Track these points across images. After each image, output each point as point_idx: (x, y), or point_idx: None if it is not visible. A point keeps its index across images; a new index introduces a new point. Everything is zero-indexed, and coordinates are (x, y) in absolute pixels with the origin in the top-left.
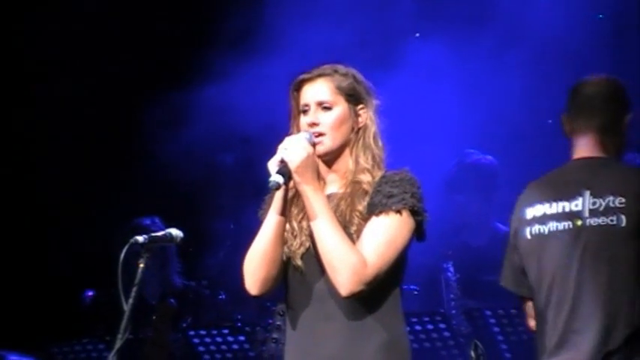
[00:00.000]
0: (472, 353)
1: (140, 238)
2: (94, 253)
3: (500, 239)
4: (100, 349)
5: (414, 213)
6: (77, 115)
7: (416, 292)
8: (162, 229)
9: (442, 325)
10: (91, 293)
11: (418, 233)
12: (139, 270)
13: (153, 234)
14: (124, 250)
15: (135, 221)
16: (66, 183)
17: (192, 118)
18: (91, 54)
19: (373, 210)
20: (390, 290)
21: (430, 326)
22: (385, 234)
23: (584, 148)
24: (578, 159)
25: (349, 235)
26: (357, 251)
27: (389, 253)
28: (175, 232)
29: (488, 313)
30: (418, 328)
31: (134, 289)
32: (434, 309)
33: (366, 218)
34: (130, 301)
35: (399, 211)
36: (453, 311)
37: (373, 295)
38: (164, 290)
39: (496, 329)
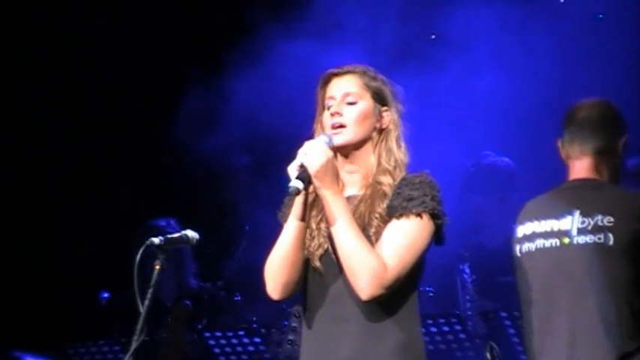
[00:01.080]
0: (488, 355)
1: (156, 240)
2: (110, 254)
3: None
4: (115, 351)
5: (433, 216)
6: (93, 112)
7: (431, 294)
8: (178, 231)
9: (458, 327)
10: (106, 294)
11: (437, 237)
12: (155, 271)
13: (169, 235)
14: (140, 252)
15: (150, 223)
16: (84, 182)
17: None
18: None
19: (393, 213)
20: (407, 293)
21: (446, 328)
22: (405, 237)
23: (578, 170)
24: (572, 180)
25: (368, 238)
26: (377, 255)
27: (409, 256)
28: (191, 233)
29: (504, 314)
30: (434, 329)
31: (150, 290)
32: (449, 310)
33: (385, 221)
34: (146, 302)
35: (419, 215)
36: (469, 312)
37: (391, 297)
38: (179, 292)
39: (512, 331)
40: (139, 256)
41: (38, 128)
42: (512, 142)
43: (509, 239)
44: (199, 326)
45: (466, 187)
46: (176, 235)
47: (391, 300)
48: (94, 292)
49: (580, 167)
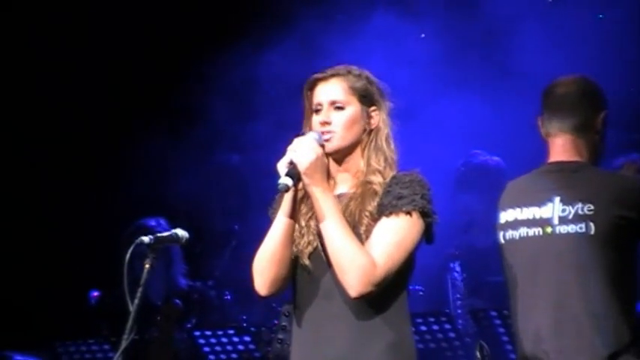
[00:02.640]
0: (477, 354)
1: (146, 239)
2: (100, 253)
3: None
4: (105, 350)
5: (423, 215)
6: (84, 111)
7: (421, 293)
8: (168, 230)
9: (447, 326)
10: (96, 293)
11: (427, 235)
12: (145, 270)
13: (158, 234)
14: (130, 251)
15: (140, 222)
16: (72, 181)
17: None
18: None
19: (383, 211)
20: (397, 291)
21: (435, 327)
22: (395, 235)
23: (558, 150)
24: (552, 163)
25: (358, 236)
26: (367, 252)
27: (398, 254)
28: (181, 232)
29: (494, 313)
30: (423, 328)
31: (139, 289)
32: (439, 309)
33: (375, 219)
34: (136, 301)
35: (408, 213)
36: (459, 311)
37: (380, 295)
38: (169, 291)
39: (501, 330)
40: (128, 255)
41: (27, 127)
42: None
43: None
44: (189, 325)
45: (456, 187)
46: (166, 234)
47: (381, 298)
48: (84, 291)
49: (560, 147)
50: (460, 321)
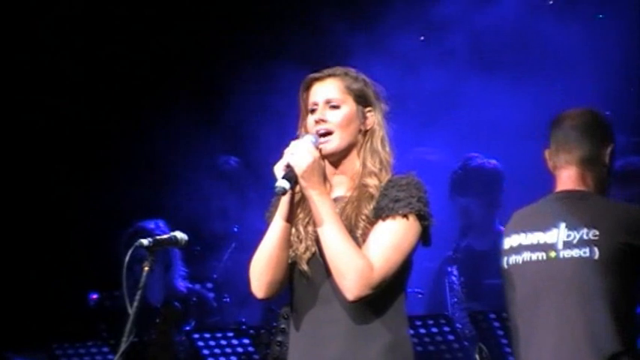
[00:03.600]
0: (476, 356)
1: (145, 241)
2: (99, 256)
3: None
4: (104, 352)
5: (420, 217)
6: (82, 114)
7: (420, 296)
8: (166, 232)
9: (446, 329)
10: (95, 296)
11: (424, 238)
12: (144, 273)
13: (157, 237)
14: (129, 253)
15: (139, 224)
16: (70, 183)
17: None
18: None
19: (380, 214)
20: (395, 294)
21: (434, 329)
22: (392, 238)
23: (565, 181)
24: (558, 191)
25: (355, 239)
26: (364, 256)
27: (395, 257)
28: (180, 235)
29: (493, 316)
30: (422, 331)
31: (139, 292)
32: (438, 312)
33: (372, 222)
34: (135, 304)
35: (405, 216)
36: (457, 314)
37: (378, 298)
38: (168, 294)
39: (500, 332)
40: (127, 258)
41: (24, 128)
42: (506, 145)
43: (497, 241)
44: (187, 328)
45: (453, 190)
46: (165, 236)
47: (379, 301)
48: (83, 293)
49: (566, 177)
50: (459, 324)
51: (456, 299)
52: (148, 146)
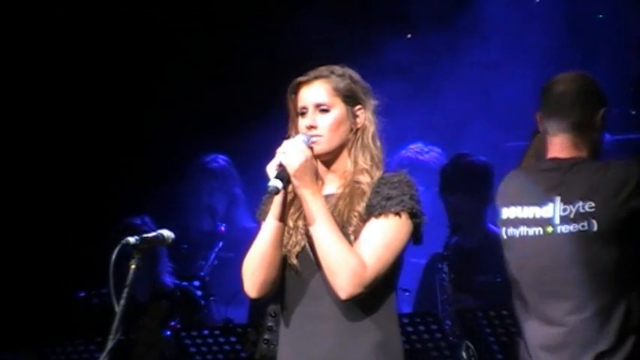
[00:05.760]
0: (463, 354)
1: (131, 239)
2: (86, 253)
3: (493, 241)
4: (91, 350)
5: (412, 215)
6: (69, 112)
7: (407, 293)
8: (153, 229)
9: (434, 326)
10: (82, 294)
11: (415, 236)
12: (131, 271)
13: (144, 235)
14: (116, 251)
15: (125, 221)
16: (56, 181)
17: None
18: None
19: (372, 212)
20: (385, 291)
21: (422, 327)
22: (384, 237)
23: (557, 147)
24: (549, 160)
25: (347, 236)
26: (356, 254)
27: (387, 255)
28: (167, 233)
29: (480, 314)
30: (410, 329)
31: (125, 290)
32: (426, 310)
33: (364, 219)
34: (122, 302)
35: (397, 214)
36: (446, 312)
37: (369, 296)
38: (154, 290)
39: (488, 330)
40: (114, 256)
41: (11, 127)
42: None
43: (486, 238)
44: (172, 323)
45: (443, 187)
46: (152, 234)
47: (369, 299)
48: (70, 291)
49: (558, 145)
50: (447, 321)
51: (445, 296)
52: (134, 144)
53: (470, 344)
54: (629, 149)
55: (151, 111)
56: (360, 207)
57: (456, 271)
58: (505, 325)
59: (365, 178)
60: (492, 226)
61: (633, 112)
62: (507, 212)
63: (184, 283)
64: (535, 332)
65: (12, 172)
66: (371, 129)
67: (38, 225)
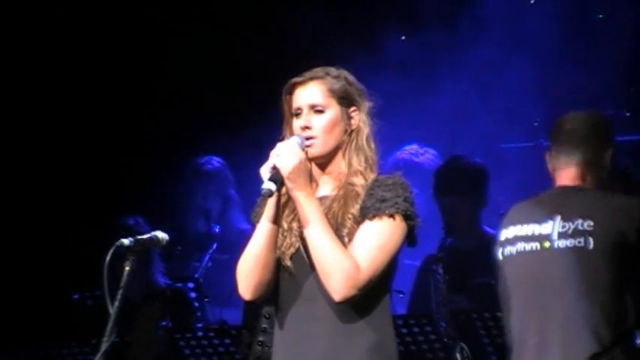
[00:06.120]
0: (458, 356)
1: (126, 241)
2: (80, 255)
3: (488, 242)
4: (85, 352)
5: (406, 217)
6: (61, 113)
7: (401, 295)
8: (147, 229)
9: (428, 328)
10: (76, 295)
11: (409, 238)
12: (125, 273)
13: (139, 237)
14: (110, 253)
15: (119, 221)
16: (50, 182)
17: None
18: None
19: (366, 214)
20: (380, 294)
21: (416, 329)
22: (378, 239)
23: (564, 179)
24: (556, 187)
25: (341, 238)
26: (350, 256)
27: (381, 258)
28: (161, 234)
29: (475, 315)
30: (404, 330)
31: (120, 292)
32: (420, 312)
33: (358, 221)
34: (116, 304)
35: (392, 216)
36: (440, 313)
37: (363, 298)
38: (147, 290)
39: (482, 332)
40: (108, 258)
41: (6, 129)
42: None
43: (481, 240)
44: (163, 323)
45: (437, 189)
46: (146, 236)
47: (364, 301)
48: (64, 293)
49: (565, 176)
50: (441, 323)
51: (440, 298)
52: (130, 145)
53: (464, 346)
54: (623, 152)
55: (146, 111)
56: (355, 209)
57: (450, 272)
58: (500, 326)
59: (359, 180)
60: (487, 228)
61: (628, 114)
62: (506, 233)
63: (177, 284)
64: (525, 348)
65: (6, 173)
66: (365, 131)
67: (32, 227)
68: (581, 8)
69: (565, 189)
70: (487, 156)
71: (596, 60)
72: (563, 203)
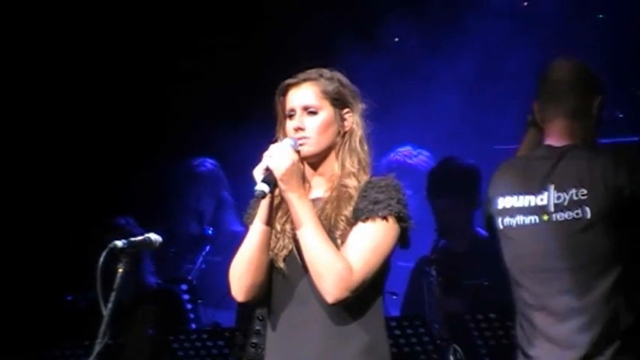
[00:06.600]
0: (451, 357)
1: (119, 243)
2: (72, 256)
3: (481, 244)
4: (78, 354)
5: (399, 219)
6: (54, 113)
7: (394, 297)
8: (137, 229)
9: (422, 330)
10: (70, 297)
11: (402, 240)
12: (118, 275)
13: (132, 239)
14: (103, 255)
15: (110, 220)
16: (44, 183)
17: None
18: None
19: (359, 216)
20: (373, 296)
21: (410, 331)
22: (371, 241)
23: (552, 135)
24: (543, 147)
25: (334, 240)
26: (343, 258)
27: (374, 260)
28: (154, 236)
29: (468, 317)
30: (397, 332)
31: (113, 294)
32: (414, 313)
33: (351, 223)
34: (109, 305)
35: (385, 218)
36: (433, 315)
37: (356, 300)
38: (139, 291)
39: (475, 333)
40: (101, 260)
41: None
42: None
43: (475, 242)
44: (150, 332)
45: (431, 191)
46: (139, 238)
47: (356, 303)
48: (57, 294)
49: (554, 130)
50: (434, 325)
51: (433, 300)
52: (123, 147)
53: (458, 348)
54: None
55: (139, 113)
56: (347, 211)
57: (443, 274)
58: (493, 328)
59: (352, 182)
60: (480, 230)
61: (621, 115)
62: (503, 202)
63: (169, 286)
64: (533, 322)
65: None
66: (359, 132)
67: (25, 228)
68: (582, 8)
69: (552, 151)
70: (480, 157)
71: (592, 61)
72: (554, 171)
